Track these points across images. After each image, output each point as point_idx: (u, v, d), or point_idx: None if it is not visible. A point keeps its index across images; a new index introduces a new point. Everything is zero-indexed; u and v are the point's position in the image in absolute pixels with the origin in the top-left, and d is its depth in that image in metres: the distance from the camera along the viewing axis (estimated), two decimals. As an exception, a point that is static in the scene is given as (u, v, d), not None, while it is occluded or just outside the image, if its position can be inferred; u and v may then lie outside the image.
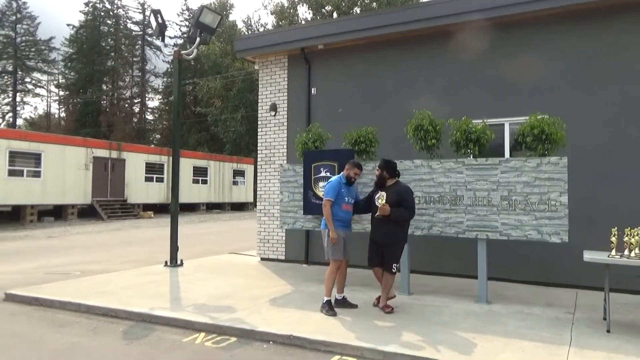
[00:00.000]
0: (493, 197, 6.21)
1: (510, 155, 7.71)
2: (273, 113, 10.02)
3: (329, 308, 5.67)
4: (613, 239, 5.10)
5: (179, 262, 9.25)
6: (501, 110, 7.76)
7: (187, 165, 27.57)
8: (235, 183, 32.77)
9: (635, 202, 6.89)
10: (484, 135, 6.43)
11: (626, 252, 5.06)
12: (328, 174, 7.21)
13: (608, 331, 4.96)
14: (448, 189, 6.50)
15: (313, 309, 5.85)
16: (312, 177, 7.38)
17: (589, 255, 5.15)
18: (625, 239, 5.06)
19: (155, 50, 52.84)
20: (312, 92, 9.60)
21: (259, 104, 10.32)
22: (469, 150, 6.58)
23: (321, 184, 7.29)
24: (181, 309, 5.88)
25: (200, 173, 29.70)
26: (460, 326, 5.17)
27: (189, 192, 27.88)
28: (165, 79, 52.27)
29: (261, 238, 10.10)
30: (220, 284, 7.50)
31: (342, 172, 6.12)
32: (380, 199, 5.78)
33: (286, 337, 4.84)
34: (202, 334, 5.16)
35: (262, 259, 10.08)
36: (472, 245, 6.80)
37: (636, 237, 5.00)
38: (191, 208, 29.11)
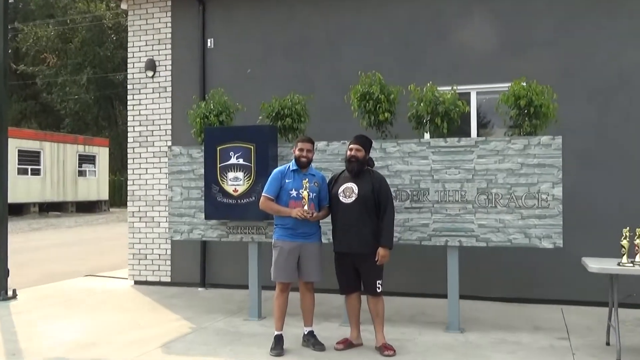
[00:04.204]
0: (468, 190, 6.17)
1: (478, 134, 7.80)
2: (150, 74, 9.34)
3: (273, 346, 5.45)
4: (624, 242, 5.23)
5: (9, 293, 8.26)
6: (467, 76, 7.80)
7: (9, 148, 25.25)
8: (82, 174, 30.85)
9: (631, 192, 7.26)
10: (454, 107, 6.35)
11: (637, 258, 5.23)
12: (241, 161, 6.77)
13: (619, 361, 5.11)
14: (408, 181, 6.36)
15: (229, 355, 5.41)
16: (218, 166, 6.87)
17: (595, 265, 5.25)
18: (637, 241, 5.23)
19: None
20: (209, 44, 9.05)
21: (129, 60, 9.57)
22: (432, 128, 6.48)
23: (231, 174, 6.81)
24: (27, 369, 5.13)
25: (29, 160, 27.44)
26: (438, 367, 5.05)
27: (13, 188, 25.43)
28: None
29: (135, 253, 9.37)
30: (81, 323, 6.79)
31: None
32: (304, 190, 5.41)
33: (200, 402, 4.36)
34: (67, 407, 4.50)
35: (136, 282, 9.38)
36: (429, 254, 6.81)
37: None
38: (17, 210, 26.67)
